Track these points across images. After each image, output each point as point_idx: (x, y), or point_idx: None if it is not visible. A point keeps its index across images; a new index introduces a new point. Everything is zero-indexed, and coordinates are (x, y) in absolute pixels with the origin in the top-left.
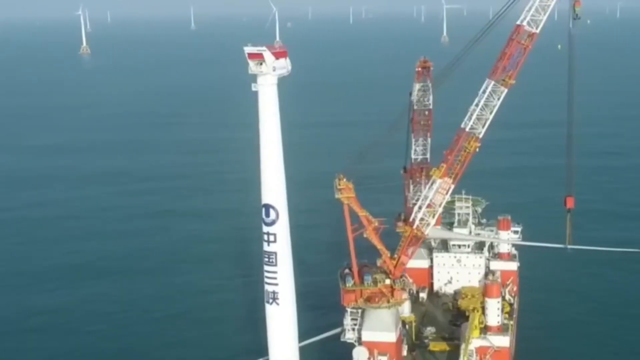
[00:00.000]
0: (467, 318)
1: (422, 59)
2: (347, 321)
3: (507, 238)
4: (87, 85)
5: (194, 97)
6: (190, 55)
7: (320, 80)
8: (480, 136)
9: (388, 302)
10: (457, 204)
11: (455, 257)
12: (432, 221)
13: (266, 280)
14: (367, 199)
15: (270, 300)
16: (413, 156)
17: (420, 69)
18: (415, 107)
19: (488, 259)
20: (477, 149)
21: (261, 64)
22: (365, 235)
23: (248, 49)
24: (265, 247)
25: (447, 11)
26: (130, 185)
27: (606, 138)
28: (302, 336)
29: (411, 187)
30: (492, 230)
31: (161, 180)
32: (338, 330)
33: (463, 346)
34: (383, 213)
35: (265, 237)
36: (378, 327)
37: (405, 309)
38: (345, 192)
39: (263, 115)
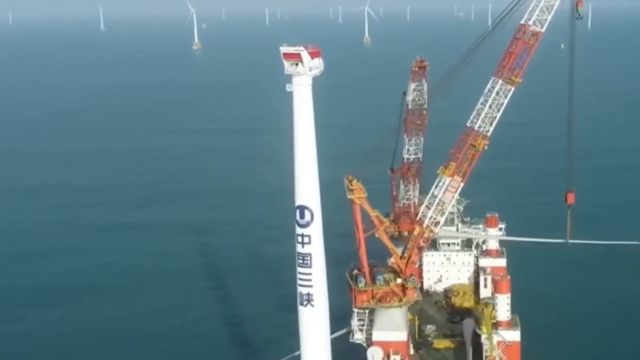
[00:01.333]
0: (465, 315)
1: (419, 58)
2: (355, 322)
3: (498, 235)
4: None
5: (117, 100)
6: (106, 57)
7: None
8: (489, 134)
9: (400, 301)
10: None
11: (444, 255)
12: (442, 219)
13: (300, 282)
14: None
15: (305, 303)
16: (405, 156)
17: (416, 68)
18: (410, 107)
19: (477, 257)
20: (486, 147)
21: (297, 64)
22: (377, 235)
23: (284, 49)
24: (300, 249)
25: (362, 12)
26: (63, 199)
27: (602, 137)
28: None
29: (402, 186)
30: (478, 228)
31: (98, 193)
32: (344, 331)
33: (487, 342)
34: None
35: (300, 238)
36: (389, 327)
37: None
38: (357, 193)
39: (298, 116)
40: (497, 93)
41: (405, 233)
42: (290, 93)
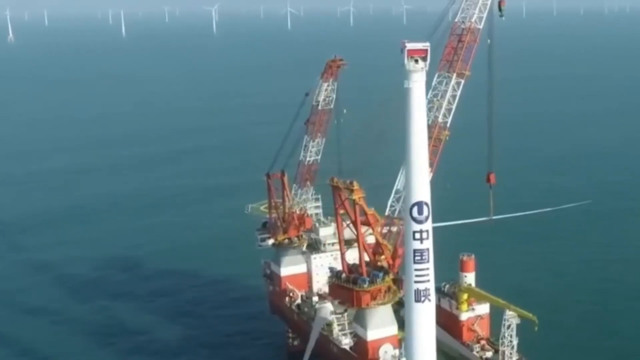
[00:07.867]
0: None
1: (336, 57)
2: (336, 328)
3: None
4: None
5: None
6: None
7: None
8: (448, 125)
9: (395, 295)
10: (308, 204)
11: (331, 255)
12: None
13: (417, 279)
14: None
15: (423, 299)
16: (307, 158)
17: (334, 68)
18: (319, 108)
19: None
20: (447, 137)
21: (417, 60)
22: (370, 234)
23: (412, 45)
24: (417, 246)
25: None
26: None
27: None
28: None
29: (297, 190)
30: None
31: None
32: (313, 340)
33: (507, 312)
34: None
35: (418, 235)
36: (383, 323)
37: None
38: (357, 193)
39: (415, 112)
40: (451, 87)
41: (296, 239)
42: (407, 89)
